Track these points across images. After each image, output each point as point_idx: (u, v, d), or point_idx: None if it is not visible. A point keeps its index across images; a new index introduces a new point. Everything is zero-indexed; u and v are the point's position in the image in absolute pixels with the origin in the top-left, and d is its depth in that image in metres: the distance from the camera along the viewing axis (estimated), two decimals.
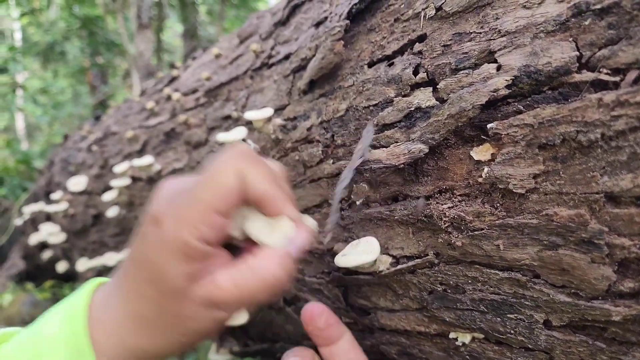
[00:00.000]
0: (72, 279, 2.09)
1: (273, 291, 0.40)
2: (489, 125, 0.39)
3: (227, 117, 0.75)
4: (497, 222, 0.39)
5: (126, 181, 1.00)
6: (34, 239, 1.62)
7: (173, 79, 1.02)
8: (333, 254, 0.57)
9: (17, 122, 8.94)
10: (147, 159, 0.89)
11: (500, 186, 0.39)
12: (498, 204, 0.40)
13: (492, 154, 0.40)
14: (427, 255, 0.46)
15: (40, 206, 1.63)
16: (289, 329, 0.70)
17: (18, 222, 2.14)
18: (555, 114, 0.35)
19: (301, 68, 0.62)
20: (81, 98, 8.38)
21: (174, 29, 9.51)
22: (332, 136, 0.55)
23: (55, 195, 1.36)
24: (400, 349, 0.54)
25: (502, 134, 0.38)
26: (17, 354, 0.42)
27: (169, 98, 0.97)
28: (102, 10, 6.66)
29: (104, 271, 1.26)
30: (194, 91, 0.88)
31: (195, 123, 0.83)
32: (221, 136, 0.64)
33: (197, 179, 0.41)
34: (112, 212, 1.07)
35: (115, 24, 7.06)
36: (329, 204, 0.56)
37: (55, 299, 2.06)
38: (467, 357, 0.47)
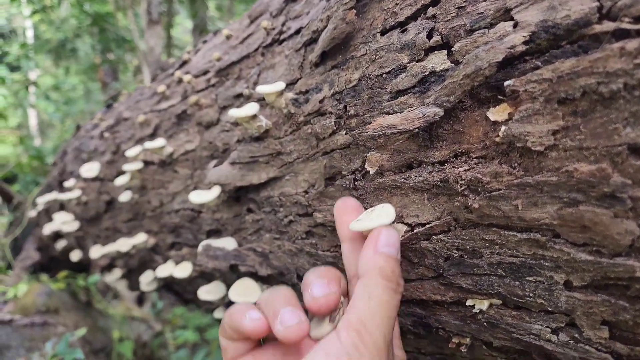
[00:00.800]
0: (85, 269, 2.11)
1: None
2: (506, 83, 0.38)
3: (239, 95, 0.75)
4: (515, 181, 0.39)
5: (138, 165, 1.00)
6: (47, 229, 1.64)
7: (184, 63, 1.02)
8: None
9: (30, 119, 9.03)
10: (159, 142, 0.90)
11: (518, 145, 0.38)
12: (516, 164, 0.39)
13: (509, 114, 0.39)
14: (444, 219, 0.45)
15: (53, 196, 1.64)
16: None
17: (32, 214, 2.16)
18: (575, 66, 0.34)
19: (313, 41, 0.61)
20: (93, 95, 8.45)
21: (183, 25, 9.53)
22: (345, 107, 0.54)
23: (68, 183, 1.37)
24: (415, 319, 0.53)
25: (519, 91, 0.37)
26: None
27: (179, 81, 0.97)
28: (113, 7, 6.68)
29: (117, 257, 1.27)
30: (205, 72, 0.88)
31: (207, 103, 0.83)
32: (233, 112, 0.64)
33: None
34: (124, 197, 1.07)
35: (125, 20, 7.09)
36: (342, 175, 0.56)
37: (70, 289, 2.09)
38: (485, 324, 0.46)
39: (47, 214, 1.94)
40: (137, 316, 2.71)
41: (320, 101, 0.58)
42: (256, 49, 0.74)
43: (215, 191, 0.73)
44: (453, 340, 0.51)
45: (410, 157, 0.48)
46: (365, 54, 0.53)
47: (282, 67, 0.67)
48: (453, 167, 0.44)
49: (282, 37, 0.69)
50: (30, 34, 8.99)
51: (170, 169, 0.94)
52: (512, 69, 0.39)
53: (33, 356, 1.62)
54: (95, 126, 1.44)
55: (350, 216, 0.51)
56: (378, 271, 0.43)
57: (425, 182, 0.46)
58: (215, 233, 0.83)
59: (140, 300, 3.70)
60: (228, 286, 0.86)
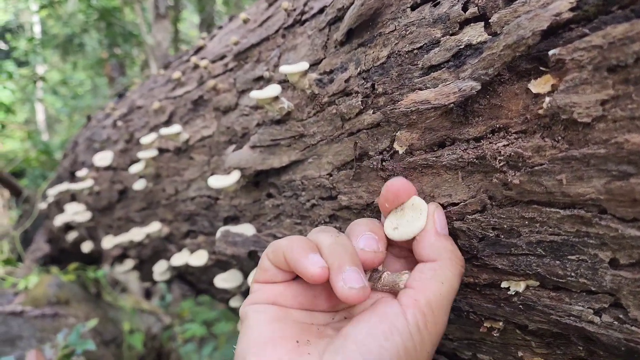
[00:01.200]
0: (95, 261, 2.11)
1: None
2: (550, 52, 0.37)
3: (259, 79, 0.73)
4: (559, 155, 0.37)
5: (153, 152, 0.99)
6: (59, 220, 1.63)
7: (199, 49, 1.01)
8: (372, 208, 0.56)
9: (38, 114, 9.05)
10: (174, 128, 0.88)
11: (563, 117, 0.36)
12: (560, 137, 0.37)
13: (552, 85, 0.38)
14: (479, 198, 0.44)
15: (65, 186, 1.64)
16: None
17: (42, 206, 2.16)
18: (628, 31, 0.33)
19: (337, 19, 0.60)
20: (100, 90, 8.46)
21: (190, 20, 9.52)
22: (373, 85, 0.53)
23: (80, 173, 1.36)
24: None
25: (566, 60, 0.36)
26: None
27: (195, 67, 0.96)
28: (120, 1, 6.68)
29: (130, 248, 1.26)
30: (222, 57, 0.86)
31: (224, 88, 0.82)
32: (255, 93, 0.62)
33: None
34: (138, 185, 1.06)
35: (132, 15, 7.09)
36: (369, 156, 0.54)
37: (80, 281, 2.09)
38: (520, 306, 0.45)
39: (57, 205, 1.93)
40: (146, 309, 2.71)
41: (346, 80, 0.56)
42: (276, 31, 0.72)
43: (235, 176, 0.71)
44: (485, 325, 0.50)
45: (442, 135, 0.46)
46: (395, 30, 0.51)
47: (304, 47, 0.65)
48: (490, 143, 0.42)
49: (304, 17, 0.67)
50: (37, 29, 9.01)
51: (185, 156, 0.93)
52: (556, 38, 0.37)
53: (45, 347, 1.62)
54: (107, 116, 1.43)
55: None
56: (450, 255, 0.44)
57: (460, 160, 0.45)
58: (232, 220, 0.82)
59: (148, 293, 3.71)
60: (245, 274, 0.84)
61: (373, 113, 0.53)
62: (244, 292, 0.90)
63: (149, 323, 2.43)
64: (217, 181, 0.72)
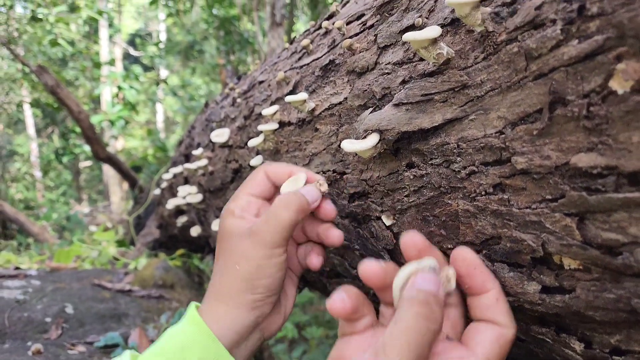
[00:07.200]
0: (202, 249, 2.13)
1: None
2: None
3: (408, 29, 0.63)
4: None
5: (274, 125, 0.93)
6: (170, 204, 1.64)
7: (331, 16, 0.93)
8: (563, 172, 0.43)
9: (157, 114, 9.74)
10: (300, 95, 0.81)
11: None
12: None
13: None
14: None
15: (179, 168, 1.65)
16: None
17: (156, 192, 2.23)
18: None
19: None
20: (214, 94, 8.92)
21: (300, 31, 9.77)
22: (580, 7, 0.40)
23: (196, 152, 1.34)
24: None
25: None
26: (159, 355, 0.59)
27: (326, 33, 0.88)
28: (239, 11, 6.99)
29: None
30: (360, 16, 0.77)
31: (362, 47, 0.73)
32: (409, 35, 0.52)
33: None
34: (255, 161, 1.00)
35: (249, 24, 7.39)
36: (566, 102, 0.41)
37: (186, 267, 2.11)
38: None
39: (170, 190, 1.97)
40: None
41: (537, 8, 0.44)
42: None
43: (373, 139, 0.61)
44: None
45: None
46: None
47: None
48: None
49: None
50: (163, 36, 9.74)
51: (310, 128, 0.84)
52: None
53: (148, 327, 1.63)
54: (226, 97, 1.41)
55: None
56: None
57: None
58: (360, 197, 0.72)
59: None
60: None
61: (579, 43, 0.40)
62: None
63: None
64: (352, 145, 0.63)
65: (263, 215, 0.66)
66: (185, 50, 8.39)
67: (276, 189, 0.73)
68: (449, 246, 0.58)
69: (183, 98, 7.65)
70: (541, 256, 0.46)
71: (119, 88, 5.48)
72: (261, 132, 0.95)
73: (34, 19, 5.60)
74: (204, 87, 9.17)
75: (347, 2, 0.92)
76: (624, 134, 0.37)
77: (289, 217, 0.64)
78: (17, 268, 2.09)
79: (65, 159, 5.99)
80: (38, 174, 9.41)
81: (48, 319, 1.58)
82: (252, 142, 0.97)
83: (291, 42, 1.10)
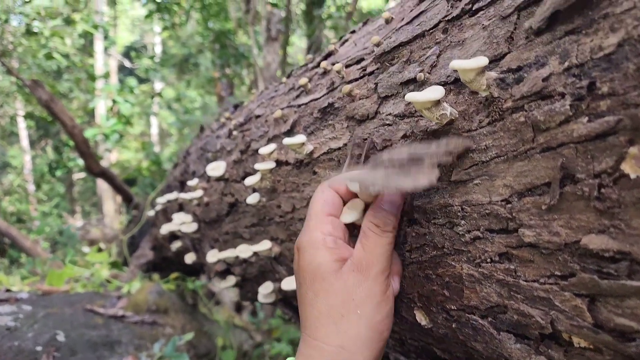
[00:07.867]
0: (196, 272, 2.10)
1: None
2: None
3: (409, 82, 0.62)
4: None
5: (271, 164, 0.91)
6: (164, 229, 1.62)
7: (329, 55, 0.92)
8: (572, 250, 0.41)
9: (152, 127, 9.72)
10: (299, 138, 0.79)
11: None
12: None
13: None
14: None
15: (174, 195, 1.63)
16: (477, 347, 0.55)
17: (150, 213, 2.20)
18: None
19: (531, 3, 0.47)
20: (209, 107, 8.91)
21: (296, 45, 9.78)
22: (591, 84, 0.39)
23: (191, 182, 1.32)
24: None
25: None
26: None
27: (324, 73, 0.87)
28: (234, 24, 7.00)
29: (235, 264, 1.19)
30: (359, 60, 0.76)
31: (362, 94, 0.71)
32: (411, 96, 0.51)
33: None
34: (251, 199, 0.98)
35: (244, 37, 7.40)
36: (576, 180, 0.40)
37: (179, 290, 2.08)
38: None
39: (164, 214, 1.95)
40: (238, 324, 2.67)
41: (545, 79, 0.43)
42: (435, 25, 0.61)
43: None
44: None
45: None
46: (634, 7, 0.37)
47: (477, 42, 0.53)
48: None
49: (475, 6, 0.55)
50: (158, 49, 9.73)
51: (307, 170, 0.83)
52: None
53: (141, 355, 1.60)
54: (222, 125, 1.39)
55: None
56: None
57: None
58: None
59: (239, 308, 3.70)
60: None
61: (589, 121, 0.39)
62: None
63: (240, 339, 2.38)
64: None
65: (363, 242, 0.57)
66: (181, 63, 8.38)
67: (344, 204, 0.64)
68: (453, 307, 0.56)
69: (178, 111, 7.62)
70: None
71: (114, 102, 5.46)
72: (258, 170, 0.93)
73: (29, 32, 5.58)
74: (199, 99, 9.15)
75: (346, 40, 0.91)
76: (637, 220, 0.36)
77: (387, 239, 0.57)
78: (8, 290, 2.05)
79: (58, 173, 5.94)
80: (31, 186, 9.35)
81: (39, 348, 1.55)
82: (248, 181, 0.95)
83: (288, 76, 1.09)
